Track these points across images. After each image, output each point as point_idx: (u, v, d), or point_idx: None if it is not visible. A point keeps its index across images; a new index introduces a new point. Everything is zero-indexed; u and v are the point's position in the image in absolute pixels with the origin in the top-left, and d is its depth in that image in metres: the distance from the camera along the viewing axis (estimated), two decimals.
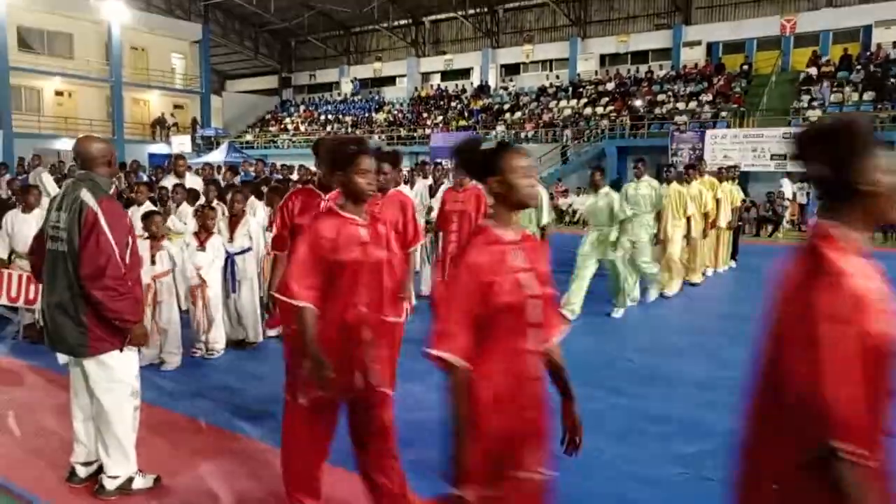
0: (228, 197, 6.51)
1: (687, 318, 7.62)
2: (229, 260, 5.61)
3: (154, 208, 5.65)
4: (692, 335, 6.69)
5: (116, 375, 3.21)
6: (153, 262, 4.93)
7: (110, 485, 3.25)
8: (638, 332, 6.90)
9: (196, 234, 5.54)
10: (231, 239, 5.61)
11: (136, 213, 6.31)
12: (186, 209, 6.93)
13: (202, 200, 7.14)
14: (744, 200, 11.00)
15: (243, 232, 5.67)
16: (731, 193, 10.29)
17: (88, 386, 3.23)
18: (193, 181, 7.90)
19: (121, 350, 3.19)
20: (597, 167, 7.38)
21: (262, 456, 3.72)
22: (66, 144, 26.63)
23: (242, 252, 5.67)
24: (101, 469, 3.35)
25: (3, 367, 5.38)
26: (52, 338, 3.21)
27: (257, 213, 6.08)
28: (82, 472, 3.38)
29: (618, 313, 7.32)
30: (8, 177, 9.95)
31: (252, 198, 6.55)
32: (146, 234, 5.03)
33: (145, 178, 10.35)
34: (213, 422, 4.22)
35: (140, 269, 3.31)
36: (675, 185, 8.54)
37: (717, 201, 9.59)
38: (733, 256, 11.13)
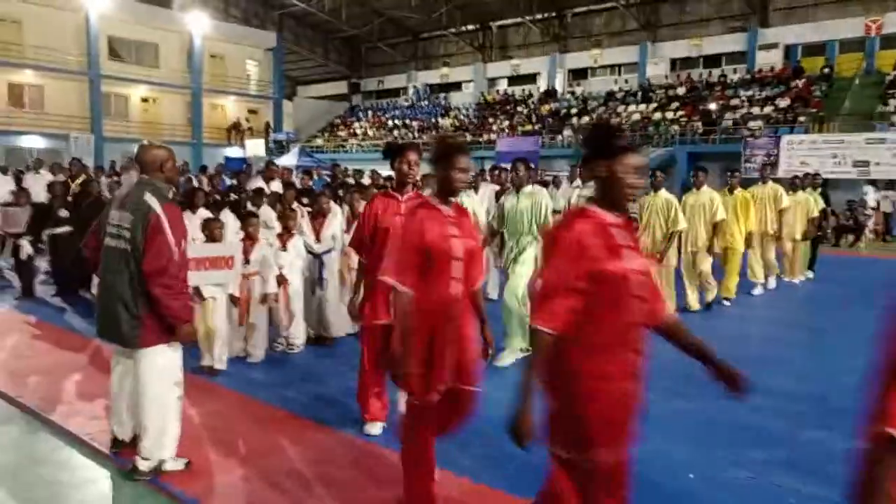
0: (309, 200, 6.86)
1: (754, 328, 7.49)
2: (318, 259, 5.91)
3: (251, 209, 5.99)
4: (762, 345, 6.58)
5: (164, 366, 3.45)
6: (247, 262, 5.26)
7: (144, 466, 3.45)
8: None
9: (279, 236, 5.87)
10: (318, 239, 5.92)
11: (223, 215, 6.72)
12: (267, 212, 7.28)
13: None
14: (823, 210, 10.60)
15: (329, 233, 5.97)
16: (808, 203, 9.89)
17: (136, 374, 3.47)
18: (276, 185, 8.29)
19: (168, 344, 3.45)
20: (519, 159, 5.94)
21: (344, 443, 3.95)
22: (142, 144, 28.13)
23: (329, 251, 5.97)
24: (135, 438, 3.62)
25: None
26: (106, 328, 3.45)
27: (337, 215, 6.36)
28: (123, 435, 3.70)
29: (504, 360, 5.47)
30: (105, 179, 10.67)
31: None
32: (243, 235, 5.38)
33: (228, 182, 10.89)
34: (297, 411, 4.49)
35: (186, 270, 3.54)
36: (696, 192, 7.93)
37: (781, 211, 9.30)
38: (811, 267, 10.78)
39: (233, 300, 5.28)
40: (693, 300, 7.96)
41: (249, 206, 7.44)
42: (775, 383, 5.15)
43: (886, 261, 14.06)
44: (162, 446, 3.47)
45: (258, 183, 8.42)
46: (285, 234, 5.83)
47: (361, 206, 6.29)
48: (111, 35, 29.63)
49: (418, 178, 4.18)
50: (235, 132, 33.81)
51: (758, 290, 9.23)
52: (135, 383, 3.50)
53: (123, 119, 30.66)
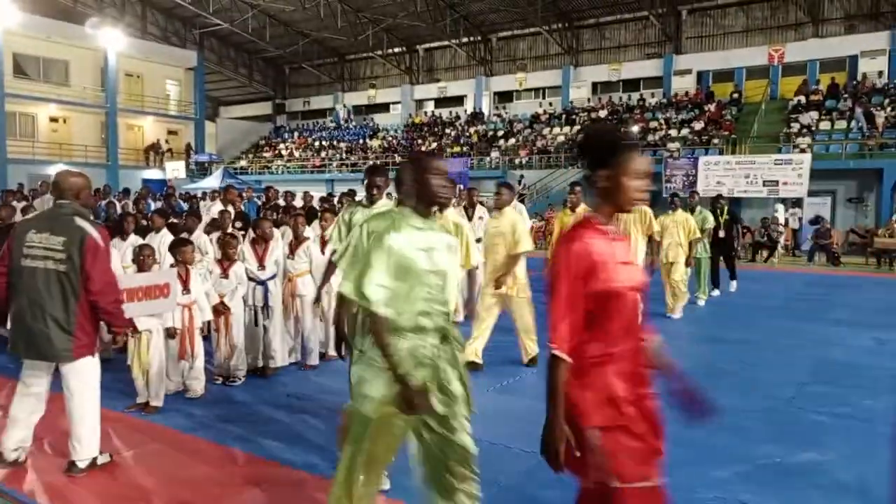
0: (243, 224, 6.60)
1: (685, 344, 7.69)
2: (263, 286, 5.64)
3: (183, 237, 5.66)
4: (699, 360, 6.72)
5: (88, 378, 3.76)
6: (187, 291, 4.95)
7: (83, 465, 3.77)
8: None
9: (219, 262, 5.58)
10: (262, 266, 5.64)
11: (153, 240, 6.35)
12: (201, 237, 6.94)
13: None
14: (704, 231, 9.66)
15: (273, 258, 5.71)
16: (687, 223, 8.99)
17: (69, 389, 3.71)
18: (219, 208, 7.90)
19: (94, 356, 3.77)
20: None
21: (300, 481, 3.73)
22: (59, 170, 26.60)
23: (273, 278, 5.71)
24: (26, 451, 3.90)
25: None
26: (32, 347, 3.65)
27: (279, 240, 6.11)
28: (12, 455, 3.83)
29: None
30: (17, 203, 9.93)
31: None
32: (177, 261, 5.07)
33: (154, 206, 10.37)
34: (246, 449, 4.22)
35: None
36: (498, 215, 6.08)
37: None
38: (731, 277, 11.15)
39: (170, 333, 4.94)
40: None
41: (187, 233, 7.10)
42: (722, 399, 5.27)
43: (797, 274, 14.90)
44: (94, 445, 3.80)
45: (217, 207, 8.01)
46: (226, 261, 5.54)
47: (306, 230, 6.13)
48: (16, 51, 27.95)
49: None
50: (154, 154, 32.50)
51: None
52: (67, 395, 3.73)
53: (30, 139, 28.89)
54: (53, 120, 30.04)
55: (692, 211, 9.65)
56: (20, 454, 3.87)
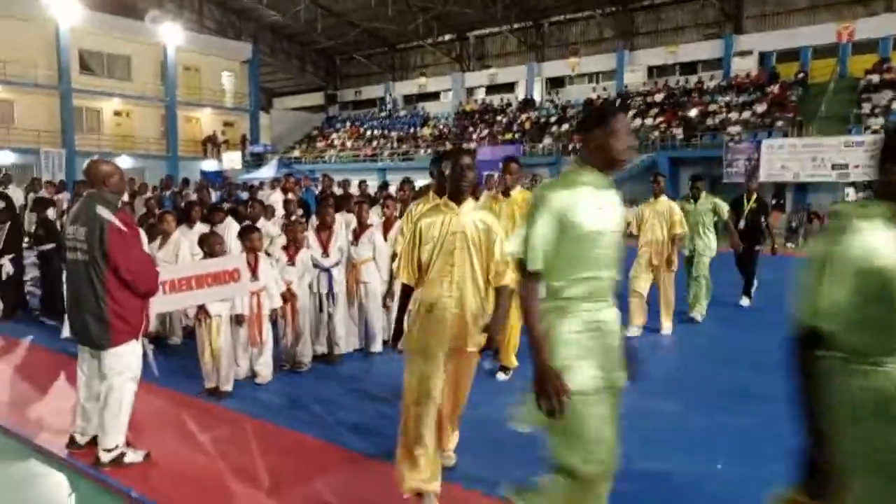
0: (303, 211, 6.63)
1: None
2: (327, 273, 5.64)
3: (251, 224, 5.72)
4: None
5: (125, 363, 3.72)
6: (256, 277, 4.99)
7: (106, 457, 3.69)
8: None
9: (285, 249, 5.61)
10: (327, 253, 5.65)
11: (218, 230, 6.44)
12: (265, 224, 7.01)
13: (279, 214, 7.27)
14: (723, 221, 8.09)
15: (337, 245, 5.71)
16: (670, 213, 6.99)
17: (101, 372, 3.73)
18: (278, 197, 7.99)
19: (137, 339, 3.74)
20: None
21: (367, 467, 3.72)
22: (125, 162, 27.48)
23: (337, 265, 5.71)
24: (94, 439, 3.84)
25: None
26: (78, 333, 3.76)
27: (343, 227, 6.11)
28: (81, 440, 3.92)
29: None
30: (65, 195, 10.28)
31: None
32: (246, 247, 5.12)
33: (214, 197, 10.58)
34: (314, 434, 4.24)
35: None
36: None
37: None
38: (746, 291, 8.70)
39: (238, 320, 5.00)
40: None
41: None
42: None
43: None
44: (117, 434, 3.70)
45: (276, 195, 8.12)
46: (292, 248, 5.57)
47: (370, 216, 6.12)
48: (82, 48, 28.97)
49: None
50: (211, 145, 33.29)
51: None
52: (100, 380, 3.75)
53: (96, 133, 29.96)
54: (117, 114, 31.06)
55: (695, 200, 7.79)
56: (87, 439, 3.92)
